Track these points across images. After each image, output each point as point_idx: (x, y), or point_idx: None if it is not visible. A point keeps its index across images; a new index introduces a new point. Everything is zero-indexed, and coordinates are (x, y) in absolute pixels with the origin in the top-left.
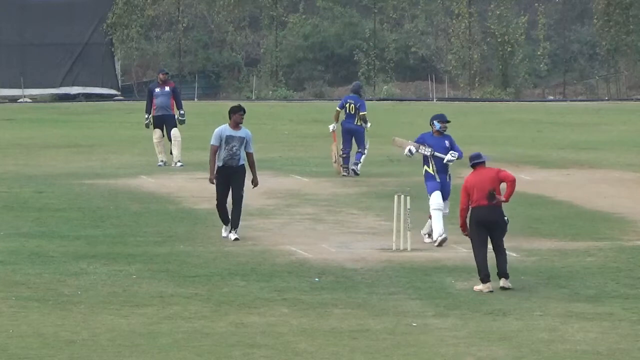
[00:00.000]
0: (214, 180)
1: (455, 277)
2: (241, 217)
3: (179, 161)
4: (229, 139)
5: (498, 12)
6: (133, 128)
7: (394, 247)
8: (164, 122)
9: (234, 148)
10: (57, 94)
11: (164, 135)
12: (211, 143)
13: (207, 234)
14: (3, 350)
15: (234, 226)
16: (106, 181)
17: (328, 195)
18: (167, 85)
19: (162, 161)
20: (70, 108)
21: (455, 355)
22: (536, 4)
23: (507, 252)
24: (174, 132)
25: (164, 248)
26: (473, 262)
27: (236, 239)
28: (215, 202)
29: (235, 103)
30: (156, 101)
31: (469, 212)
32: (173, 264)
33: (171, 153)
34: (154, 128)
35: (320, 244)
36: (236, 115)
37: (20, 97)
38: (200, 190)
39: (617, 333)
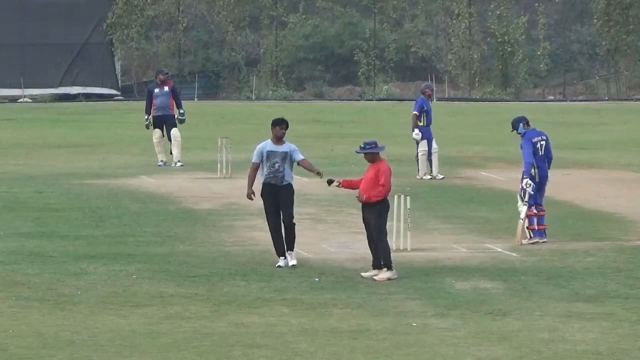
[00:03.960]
0: (253, 196)
1: (455, 277)
2: (241, 217)
3: (178, 161)
4: (270, 154)
5: (498, 12)
6: (133, 128)
7: (393, 247)
8: (164, 122)
9: (276, 164)
10: (57, 94)
11: (163, 135)
12: (252, 160)
13: (207, 234)
14: (3, 350)
15: (290, 248)
16: (106, 181)
17: (328, 195)
18: (166, 85)
19: (162, 161)
20: (70, 108)
21: (455, 355)
22: (536, 4)
23: (507, 252)
24: (174, 132)
25: (164, 248)
26: (473, 262)
27: (294, 265)
28: (268, 227)
29: (278, 116)
30: (156, 101)
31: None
32: (173, 264)
33: (171, 153)
34: (154, 128)
35: (320, 244)
36: (275, 128)
37: (20, 97)
38: (200, 190)
39: (617, 333)
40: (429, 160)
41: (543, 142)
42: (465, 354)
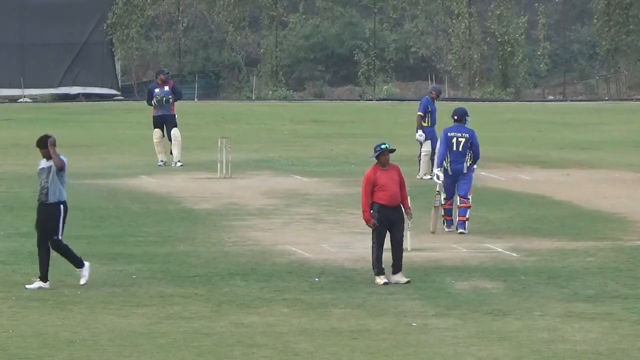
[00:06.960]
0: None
1: (455, 277)
2: (240, 217)
3: (178, 161)
4: (40, 172)
5: (498, 12)
6: (133, 128)
7: None
8: (164, 122)
9: (42, 181)
10: (57, 94)
11: (164, 135)
12: None
13: (207, 234)
14: (3, 350)
15: (77, 266)
16: (106, 181)
17: (328, 195)
18: (166, 85)
19: (162, 161)
20: (70, 108)
21: (455, 355)
22: (536, 4)
23: (507, 252)
24: (174, 132)
25: (164, 248)
26: (473, 262)
27: (38, 288)
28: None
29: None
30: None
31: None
32: (173, 264)
33: (171, 153)
34: (154, 128)
35: (320, 244)
36: None
37: (20, 97)
38: (200, 190)
39: (617, 333)
40: (432, 160)
41: (462, 140)
42: (465, 354)
